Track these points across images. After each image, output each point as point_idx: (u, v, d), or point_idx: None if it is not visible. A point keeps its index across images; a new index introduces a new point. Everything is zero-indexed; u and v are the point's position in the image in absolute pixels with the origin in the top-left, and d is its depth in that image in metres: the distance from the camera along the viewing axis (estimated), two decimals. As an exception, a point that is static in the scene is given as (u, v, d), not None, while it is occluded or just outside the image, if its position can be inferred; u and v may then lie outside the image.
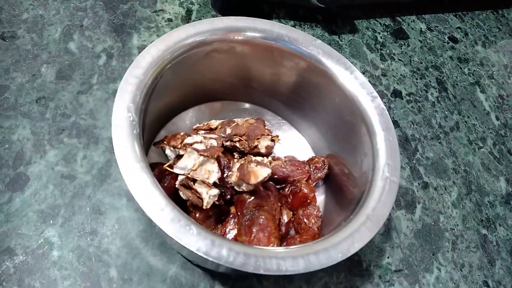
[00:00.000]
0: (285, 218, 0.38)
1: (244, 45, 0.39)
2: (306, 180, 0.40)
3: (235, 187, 0.36)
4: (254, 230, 0.34)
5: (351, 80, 0.38)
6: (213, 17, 0.54)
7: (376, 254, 0.42)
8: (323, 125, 0.43)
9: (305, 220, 0.38)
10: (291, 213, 0.39)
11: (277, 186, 0.39)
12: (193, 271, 0.36)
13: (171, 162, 0.35)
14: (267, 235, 0.33)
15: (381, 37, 0.60)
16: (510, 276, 0.45)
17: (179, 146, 0.35)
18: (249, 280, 0.37)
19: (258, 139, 0.39)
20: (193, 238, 0.27)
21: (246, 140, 0.39)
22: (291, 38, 0.39)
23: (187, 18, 0.52)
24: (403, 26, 0.63)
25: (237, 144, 0.39)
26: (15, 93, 0.42)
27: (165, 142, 0.37)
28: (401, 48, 0.60)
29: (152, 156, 0.39)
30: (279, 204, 0.38)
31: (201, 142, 0.35)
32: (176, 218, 0.27)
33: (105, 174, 0.39)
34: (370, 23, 0.62)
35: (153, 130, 0.40)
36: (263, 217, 0.34)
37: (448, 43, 0.64)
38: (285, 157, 0.42)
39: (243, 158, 0.38)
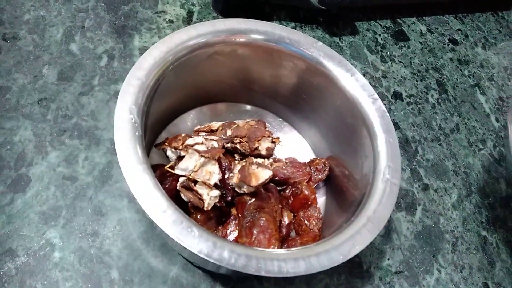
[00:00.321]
0: (286, 220, 0.38)
1: (245, 47, 0.39)
2: (307, 182, 0.40)
3: (236, 189, 0.36)
4: (255, 231, 0.34)
5: (352, 82, 0.38)
6: (214, 18, 0.54)
7: (376, 256, 0.42)
8: (324, 127, 0.43)
9: (306, 222, 0.38)
10: (292, 214, 0.39)
11: (278, 188, 0.39)
12: (194, 273, 0.36)
13: (172, 163, 0.35)
14: (268, 236, 0.34)
15: (381, 39, 0.61)
16: (510, 278, 0.45)
17: (181, 147, 0.35)
18: (249, 282, 0.38)
19: (259, 140, 0.39)
20: (195, 240, 0.27)
21: (247, 142, 0.39)
22: (292, 40, 0.39)
23: (188, 19, 0.53)
24: (403, 28, 0.64)
25: (238, 146, 0.39)
26: (17, 94, 0.42)
27: (166, 144, 0.37)
28: (401, 50, 0.61)
29: (154, 158, 0.39)
30: (280, 205, 0.38)
31: (202, 143, 0.35)
32: (178, 220, 0.27)
33: (107, 175, 0.39)
34: (371, 25, 0.62)
35: (154, 131, 0.40)
36: (264, 218, 0.34)
37: (448, 45, 0.64)
38: (286, 159, 0.42)
39: (244, 160, 0.38)
